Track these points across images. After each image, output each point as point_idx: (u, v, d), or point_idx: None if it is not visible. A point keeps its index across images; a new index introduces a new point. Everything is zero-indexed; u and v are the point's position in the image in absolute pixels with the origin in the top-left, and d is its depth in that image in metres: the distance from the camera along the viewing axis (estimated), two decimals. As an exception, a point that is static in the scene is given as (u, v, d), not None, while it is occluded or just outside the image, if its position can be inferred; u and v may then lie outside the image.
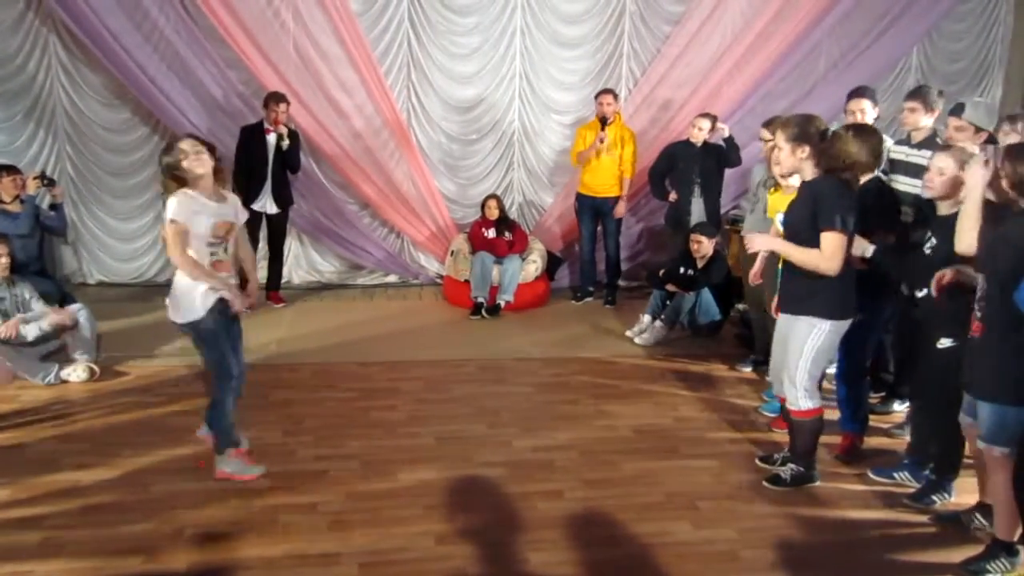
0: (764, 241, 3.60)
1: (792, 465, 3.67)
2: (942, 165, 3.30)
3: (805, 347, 3.43)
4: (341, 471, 3.66)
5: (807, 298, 3.39)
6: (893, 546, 3.22)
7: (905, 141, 4.37)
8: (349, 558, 2.99)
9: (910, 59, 7.30)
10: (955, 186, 3.26)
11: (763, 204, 4.77)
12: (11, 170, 5.41)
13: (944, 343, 3.29)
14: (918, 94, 4.37)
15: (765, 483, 3.65)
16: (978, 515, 3.31)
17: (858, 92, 4.68)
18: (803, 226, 3.33)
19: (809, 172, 3.37)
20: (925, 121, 4.29)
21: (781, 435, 4.09)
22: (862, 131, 3.58)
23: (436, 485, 3.56)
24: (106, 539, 3.05)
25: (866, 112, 4.53)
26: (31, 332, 4.64)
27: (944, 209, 3.35)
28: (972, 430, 3.11)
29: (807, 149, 3.31)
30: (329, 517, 3.27)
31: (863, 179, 3.63)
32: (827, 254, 3.26)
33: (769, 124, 4.78)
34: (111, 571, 2.87)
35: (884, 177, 4.07)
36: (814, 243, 3.29)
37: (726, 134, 5.97)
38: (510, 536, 3.18)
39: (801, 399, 3.50)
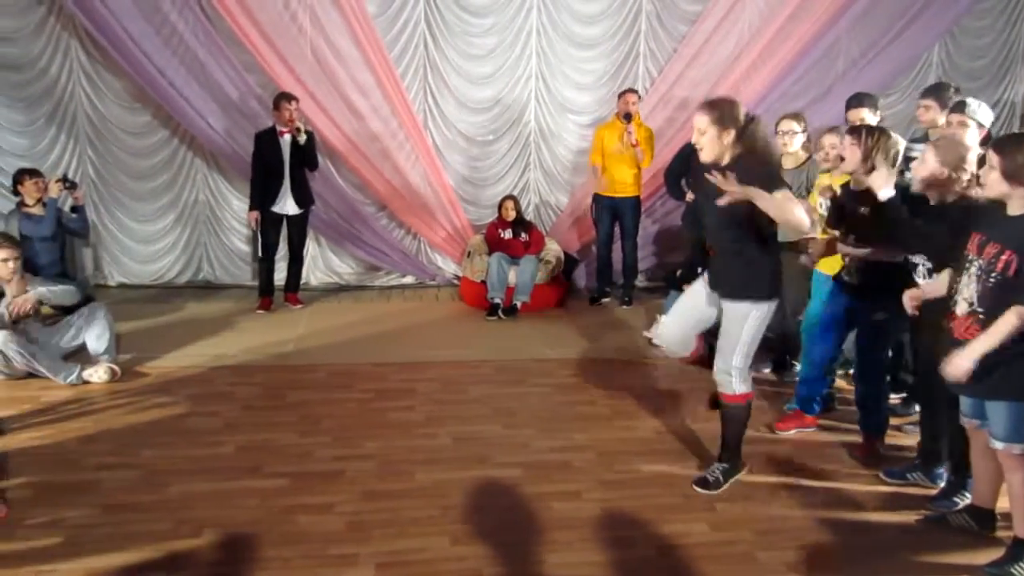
0: (745, 190, 3.22)
1: (719, 464, 3.64)
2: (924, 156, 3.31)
3: (744, 330, 3.42)
4: (358, 472, 3.67)
5: (748, 282, 3.37)
6: (914, 548, 3.18)
7: (922, 139, 4.33)
8: (366, 558, 3.00)
9: (931, 55, 7.23)
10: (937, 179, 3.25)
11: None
12: (34, 174, 5.50)
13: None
14: (933, 92, 4.33)
15: (694, 486, 3.59)
16: (966, 515, 3.29)
17: (855, 102, 4.66)
18: (741, 209, 3.23)
19: (728, 156, 3.31)
20: (941, 119, 4.25)
21: (792, 437, 4.06)
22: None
23: (453, 486, 3.56)
24: (126, 538, 3.08)
25: (866, 120, 4.48)
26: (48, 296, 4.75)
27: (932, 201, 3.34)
28: (977, 432, 3.08)
29: (732, 132, 3.27)
30: (346, 517, 3.28)
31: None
32: (790, 206, 3.15)
33: (789, 117, 4.78)
34: (131, 570, 2.90)
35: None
36: (751, 224, 3.25)
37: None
38: (527, 537, 3.18)
39: (736, 383, 3.49)
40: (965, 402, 3.08)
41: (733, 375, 3.49)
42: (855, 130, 3.70)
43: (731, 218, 3.29)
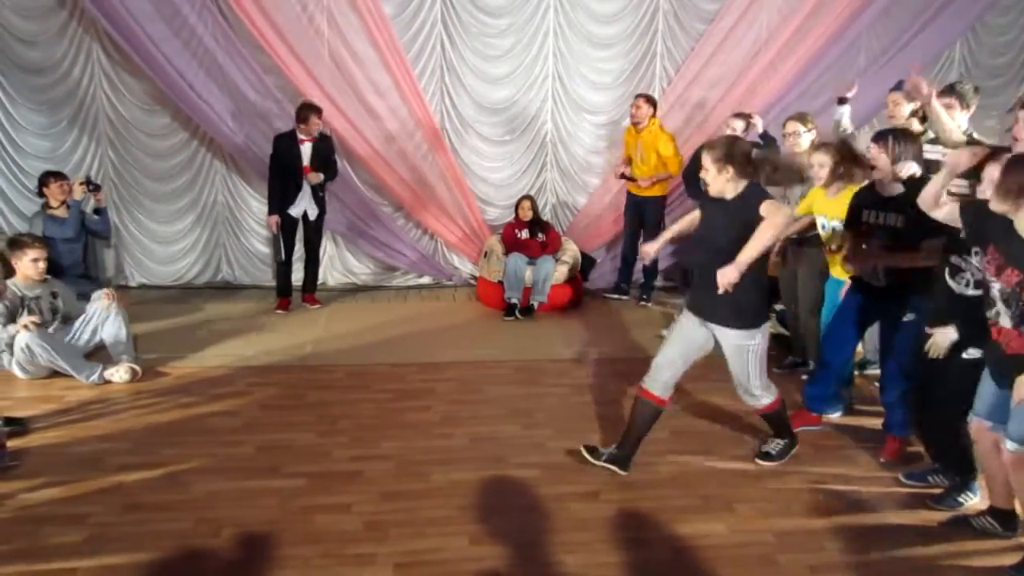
0: (733, 274, 3.28)
1: (777, 440, 3.89)
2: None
3: (750, 357, 3.54)
4: (376, 472, 3.69)
5: (742, 311, 3.44)
6: (936, 552, 3.15)
7: (937, 140, 4.26)
8: (384, 558, 3.01)
9: (953, 53, 7.14)
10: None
11: (795, 204, 4.71)
12: (59, 176, 5.58)
13: (971, 354, 3.19)
14: (953, 90, 4.27)
15: (757, 460, 3.85)
16: (989, 518, 3.25)
17: (896, 86, 4.64)
18: (734, 239, 3.30)
19: (731, 191, 3.41)
20: (960, 118, 4.19)
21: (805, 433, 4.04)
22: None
23: (470, 486, 3.57)
24: (147, 537, 3.11)
25: (900, 105, 4.47)
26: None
27: None
28: (988, 434, 3.05)
29: (731, 169, 3.36)
30: (364, 517, 3.29)
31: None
32: (772, 211, 3.25)
33: (794, 118, 4.77)
34: (152, 568, 2.93)
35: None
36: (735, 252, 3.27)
37: (760, 130, 5.89)
38: (544, 537, 3.18)
39: (763, 399, 3.70)
40: (983, 405, 3.05)
41: (757, 395, 3.67)
42: (880, 136, 3.71)
43: (721, 250, 3.34)
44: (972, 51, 7.16)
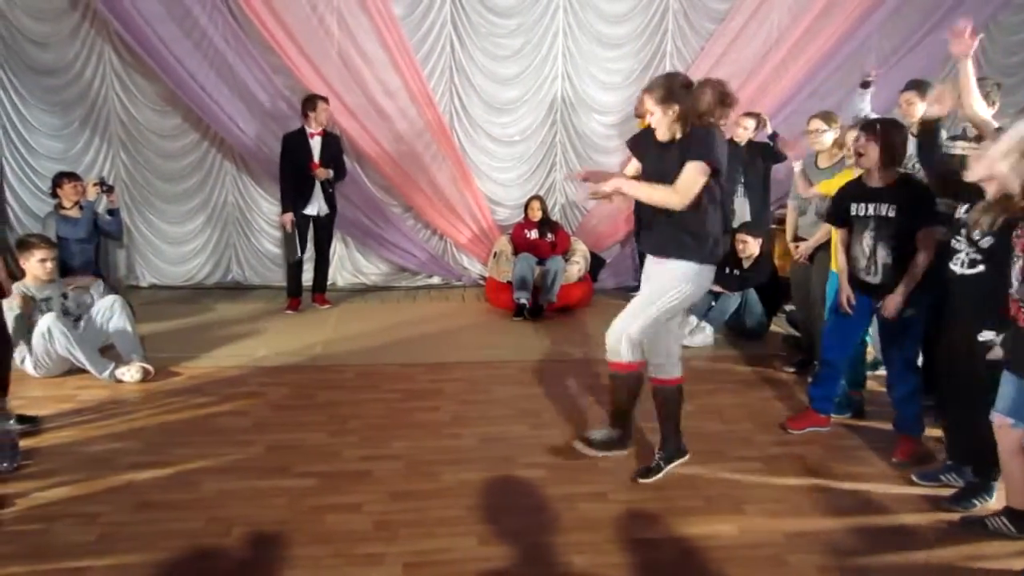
0: (614, 183, 3.34)
1: (607, 429, 3.75)
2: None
3: (662, 294, 3.37)
4: (385, 471, 3.69)
5: (678, 241, 3.32)
6: (949, 553, 3.13)
7: (962, 136, 4.24)
8: (393, 558, 3.01)
9: (965, 52, 7.09)
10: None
11: (814, 206, 4.69)
12: (72, 177, 5.62)
13: (986, 336, 3.15)
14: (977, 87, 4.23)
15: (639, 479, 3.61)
16: (1004, 518, 3.21)
17: (908, 85, 4.62)
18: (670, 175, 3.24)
19: (679, 132, 3.31)
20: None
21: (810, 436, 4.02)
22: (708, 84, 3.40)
23: (479, 486, 3.57)
24: (158, 536, 3.12)
25: (914, 104, 4.44)
26: None
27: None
28: (1010, 431, 3.02)
29: (677, 108, 3.26)
30: (374, 517, 3.30)
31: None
32: (681, 185, 3.19)
33: (818, 116, 4.73)
34: (163, 567, 2.94)
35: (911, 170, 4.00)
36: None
37: (769, 130, 5.88)
38: (553, 537, 3.17)
39: (625, 350, 3.46)
40: (1005, 402, 3.02)
41: (623, 342, 3.47)
42: (869, 126, 3.67)
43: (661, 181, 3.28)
44: (985, 50, 7.11)
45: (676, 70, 3.18)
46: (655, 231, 3.42)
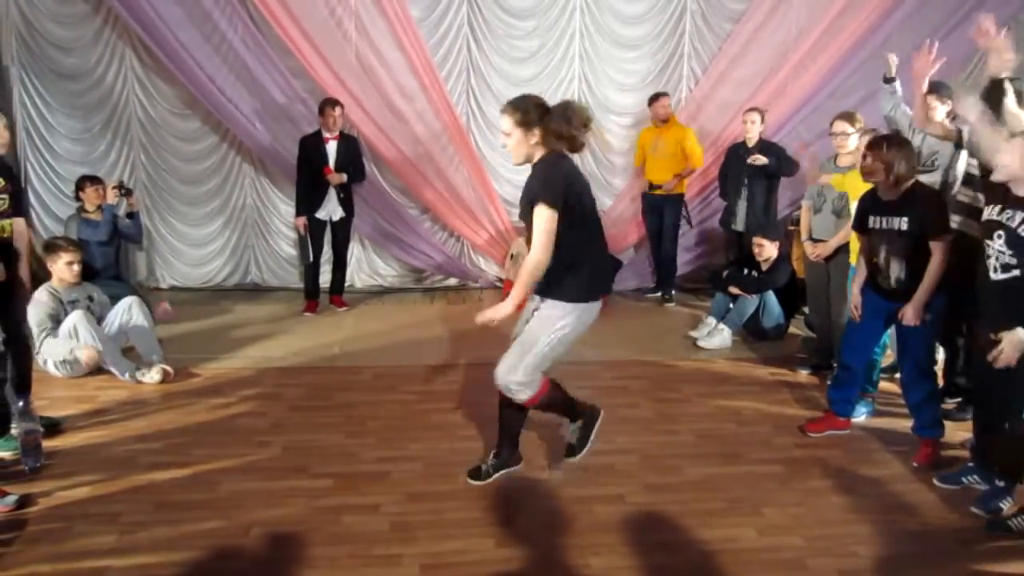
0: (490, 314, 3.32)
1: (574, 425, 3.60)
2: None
3: (549, 333, 3.28)
4: (403, 473, 3.70)
5: (550, 284, 3.23)
6: (972, 556, 3.08)
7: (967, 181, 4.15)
8: (410, 559, 3.02)
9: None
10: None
11: (830, 204, 4.65)
12: (94, 180, 5.69)
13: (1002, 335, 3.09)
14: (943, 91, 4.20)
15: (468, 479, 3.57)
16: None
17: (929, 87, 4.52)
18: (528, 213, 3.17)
19: (537, 155, 3.24)
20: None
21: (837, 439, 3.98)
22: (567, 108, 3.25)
23: (496, 488, 3.56)
24: (178, 536, 3.14)
25: (935, 109, 4.35)
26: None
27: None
28: None
29: (537, 132, 3.16)
30: (391, 518, 3.30)
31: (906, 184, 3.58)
32: (536, 239, 3.10)
33: (841, 118, 4.68)
34: (182, 567, 2.96)
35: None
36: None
37: (763, 161, 5.82)
38: (570, 540, 3.17)
39: (517, 391, 3.32)
40: None
41: (513, 388, 3.32)
42: (875, 143, 3.64)
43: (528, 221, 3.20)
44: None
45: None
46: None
